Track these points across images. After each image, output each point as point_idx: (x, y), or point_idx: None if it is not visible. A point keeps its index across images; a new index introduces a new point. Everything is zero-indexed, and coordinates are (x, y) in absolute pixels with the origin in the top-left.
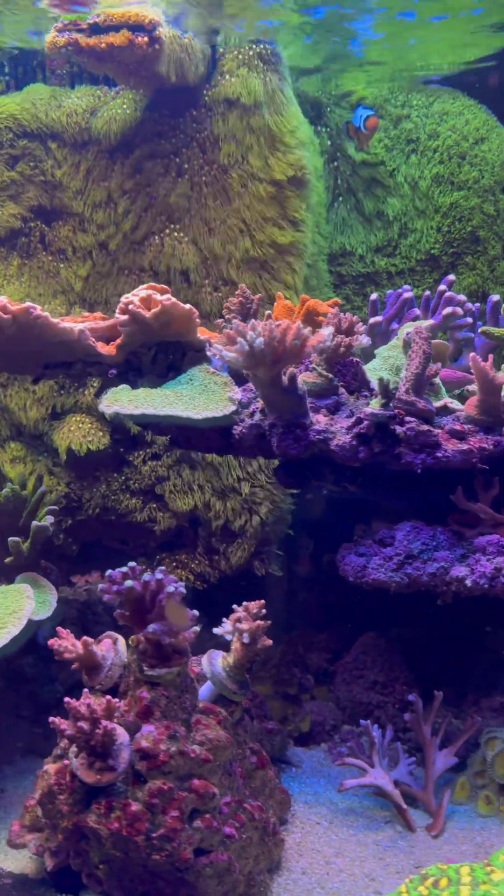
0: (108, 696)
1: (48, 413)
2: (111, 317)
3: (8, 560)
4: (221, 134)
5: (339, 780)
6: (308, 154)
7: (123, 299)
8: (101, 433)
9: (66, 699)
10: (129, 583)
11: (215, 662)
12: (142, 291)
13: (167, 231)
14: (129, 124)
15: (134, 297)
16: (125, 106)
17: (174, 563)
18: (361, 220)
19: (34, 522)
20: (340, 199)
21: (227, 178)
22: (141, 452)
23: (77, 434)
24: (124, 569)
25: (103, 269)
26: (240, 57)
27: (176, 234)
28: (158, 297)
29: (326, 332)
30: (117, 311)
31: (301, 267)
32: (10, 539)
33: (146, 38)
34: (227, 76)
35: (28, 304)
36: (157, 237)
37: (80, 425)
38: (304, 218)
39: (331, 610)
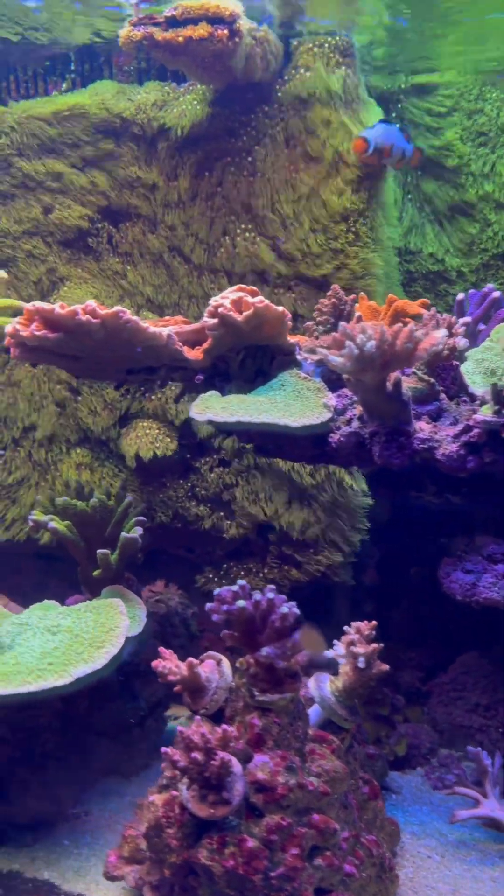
0: (225, 727)
1: (116, 419)
2: (190, 321)
3: (96, 573)
4: (295, 130)
5: (443, 808)
6: None
7: (213, 302)
8: (168, 439)
9: (180, 728)
10: (241, 603)
11: (323, 686)
12: (232, 294)
13: (239, 231)
14: (199, 121)
15: (224, 299)
16: (195, 102)
17: (242, 572)
18: (431, 216)
19: (123, 534)
20: (409, 196)
21: (301, 175)
22: (208, 459)
23: (145, 440)
24: (234, 587)
25: (172, 271)
26: (315, 50)
27: (249, 233)
28: (250, 299)
29: (440, 334)
30: (205, 314)
31: (377, 263)
32: (99, 551)
33: (226, 31)
34: (302, 70)
35: (117, 308)
36: (228, 237)
37: (148, 431)
38: (378, 214)
39: (422, 626)
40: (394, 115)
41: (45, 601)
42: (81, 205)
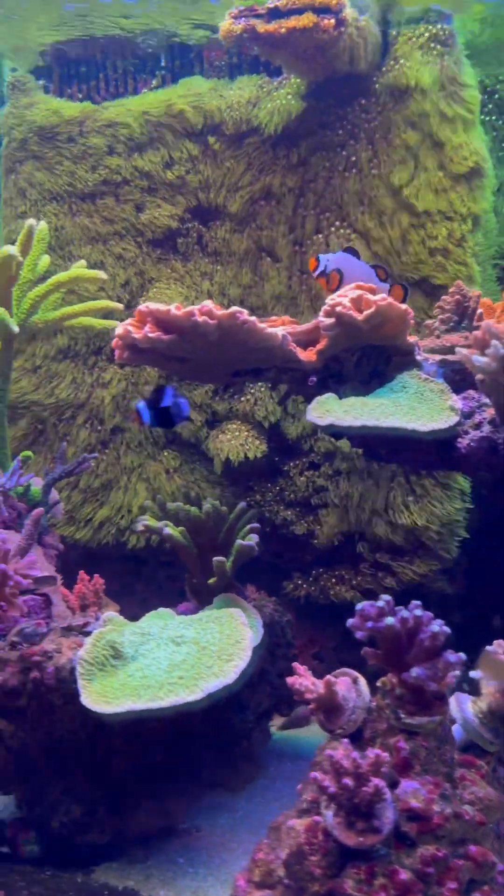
0: (377, 752)
1: (204, 421)
2: (298, 321)
3: (211, 581)
4: (393, 124)
5: None
6: (484, 143)
7: (330, 301)
8: (257, 441)
9: (329, 752)
10: (388, 620)
11: (465, 707)
12: (350, 291)
13: (333, 228)
14: (293, 116)
15: (342, 297)
16: (289, 96)
17: (333, 579)
18: None
19: (239, 541)
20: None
21: (398, 170)
22: (297, 462)
23: (234, 443)
24: (379, 603)
25: (260, 271)
26: (413, 40)
27: (343, 230)
28: (371, 297)
29: None
30: (321, 313)
31: (474, 262)
32: (215, 559)
33: (332, 21)
34: (402, 61)
35: (235, 308)
36: (321, 235)
37: (237, 433)
38: (478, 211)
39: None
40: (489, 105)
41: (160, 609)
42: (171, 204)
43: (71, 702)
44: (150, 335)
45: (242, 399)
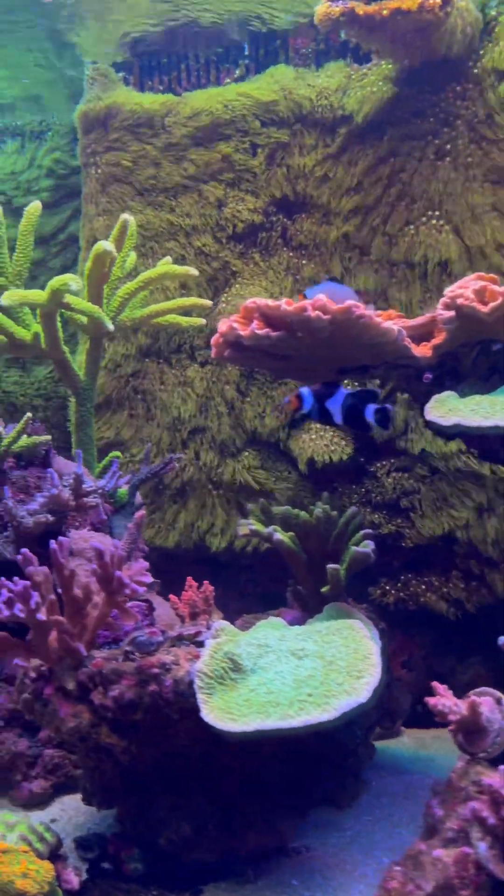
0: None
1: (286, 420)
2: (404, 315)
3: (325, 589)
4: (493, 110)
5: None
6: None
7: (448, 292)
8: (343, 442)
9: (485, 780)
10: None
11: None
12: (472, 282)
13: (424, 219)
14: (383, 103)
15: (462, 289)
16: (379, 83)
17: (422, 586)
18: None
19: (355, 548)
20: None
21: (498, 158)
22: (384, 462)
23: (319, 443)
24: None
25: (350, 264)
26: None
27: (434, 221)
28: (496, 287)
29: None
30: (439, 305)
31: None
32: (330, 567)
33: (438, 0)
34: (502, 43)
35: (350, 302)
36: (412, 227)
37: (321, 433)
38: None
39: None
40: None
41: (271, 618)
42: (255, 197)
43: (188, 717)
44: (257, 332)
45: None
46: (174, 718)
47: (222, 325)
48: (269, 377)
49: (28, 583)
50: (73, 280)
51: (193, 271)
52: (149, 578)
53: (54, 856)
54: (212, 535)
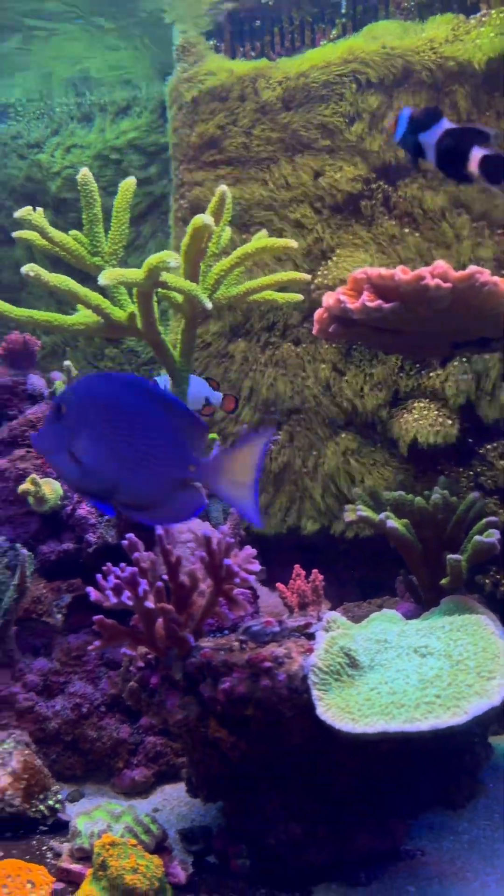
0: None
1: (387, 399)
2: None
3: (444, 581)
4: None
5: None
6: None
7: None
8: (449, 422)
9: None
10: None
11: None
12: None
13: None
14: (497, 53)
15: None
16: (492, 34)
17: None
18: None
19: (479, 538)
20: None
21: None
22: (496, 444)
23: (423, 423)
24: None
25: (461, 230)
26: None
27: None
28: None
29: None
30: None
31: None
32: (450, 557)
33: None
34: None
35: (473, 268)
36: None
37: (425, 412)
38: None
39: None
40: None
41: (385, 611)
42: (354, 164)
43: (301, 714)
44: (368, 304)
45: (431, 374)
46: (287, 715)
47: (328, 299)
48: (368, 354)
49: (135, 569)
50: (170, 256)
51: (293, 244)
52: (257, 566)
53: (160, 848)
54: (307, 519)
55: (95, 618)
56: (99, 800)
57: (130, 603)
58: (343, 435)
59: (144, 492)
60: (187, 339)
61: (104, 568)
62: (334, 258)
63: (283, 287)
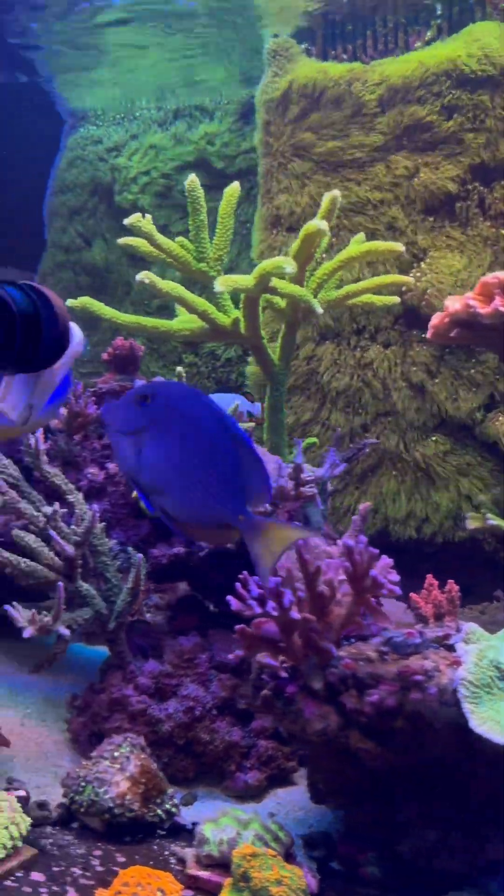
0: None
1: (483, 401)
2: None
3: None
4: None
5: None
6: None
7: None
8: None
9: None
10: None
11: None
12: None
13: None
14: None
15: None
16: None
17: None
18: None
19: None
20: None
21: None
22: None
23: None
24: None
25: None
26: None
27: None
28: None
29: None
30: None
31: None
32: None
33: None
34: None
35: None
36: None
37: None
38: None
39: None
40: None
41: None
42: (449, 165)
43: (448, 726)
44: (501, 308)
45: None
46: (435, 727)
47: (453, 304)
48: (463, 357)
49: (279, 579)
50: (286, 263)
51: (399, 247)
52: (396, 576)
53: (287, 856)
54: (395, 522)
55: (238, 627)
56: (212, 803)
57: (276, 614)
58: (434, 438)
59: (188, 513)
60: (287, 344)
61: (241, 577)
62: (427, 260)
63: (379, 290)
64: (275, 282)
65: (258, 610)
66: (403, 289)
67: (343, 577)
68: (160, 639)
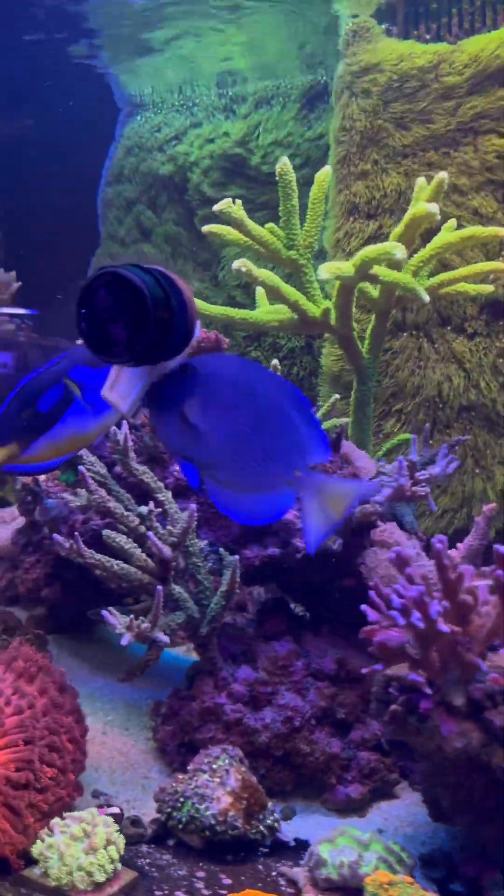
0: None
1: None
2: None
3: None
4: None
5: None
6: None
7: None
8: None
9: None
10: None
11: None
12: None
13: None
14: None
15: None
16: None
17: None
18: None
19: None
20: None
21: None
22: None
23: None
24: None
25: None
26: None
27: None
28: None
29: None
30: None
31: None
32: None
33: None
34: None
35: None
36: None
37: None
38: None
39: None
40: None
41: None
42: None
43: None
44: None
45: None
46: None
47: None
48: None
49: (423, 588)
50: (396, 248)
51: (503, 231)
52: None
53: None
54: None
55: (377, 639)
56: (312, 817)
57: (422, 626)
58: None
59: (244, 476)
60: (377, 335)
61: (373, 584)
62: None
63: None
64: (377, 269)
65: (402, 622)
66: (491, 277)
67: (479, 582)
68: (250, 644)
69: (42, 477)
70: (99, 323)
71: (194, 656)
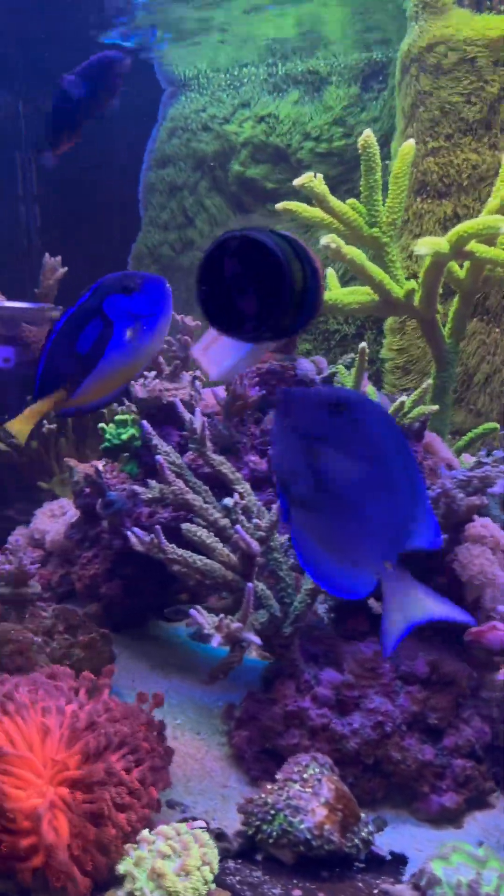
0: None
1: None
2: None
3: None
4: None
5: None
6: None
7: None
8: None
9: None
10: None
11: None
12: None
13: None
14: None
15: None
16: None
17: None
18: None
19: None
20: None
21: None
22: None
23: None
24: None
25: None
26: None
27: None
28: None
29: None
30: None
31: None
32: None
33: None
34: None
35: None
36: None
37: None
38: None
39: None
40: None
41: None
42: None
43: None
44: None
45: None
46: None
47: None
48: None
49: None
50: (501, 221)
51: None
52: None
53: None
54: None
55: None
56: (403, 827)
57: None
58: None
59: (332, 543)
60: (460, 318)
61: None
62: None
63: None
64: (474, 246)
65: None
66: None
67: None
68: (332, 644)
69: (102, 468)
70: (224, 293)
71: (254, 657)
